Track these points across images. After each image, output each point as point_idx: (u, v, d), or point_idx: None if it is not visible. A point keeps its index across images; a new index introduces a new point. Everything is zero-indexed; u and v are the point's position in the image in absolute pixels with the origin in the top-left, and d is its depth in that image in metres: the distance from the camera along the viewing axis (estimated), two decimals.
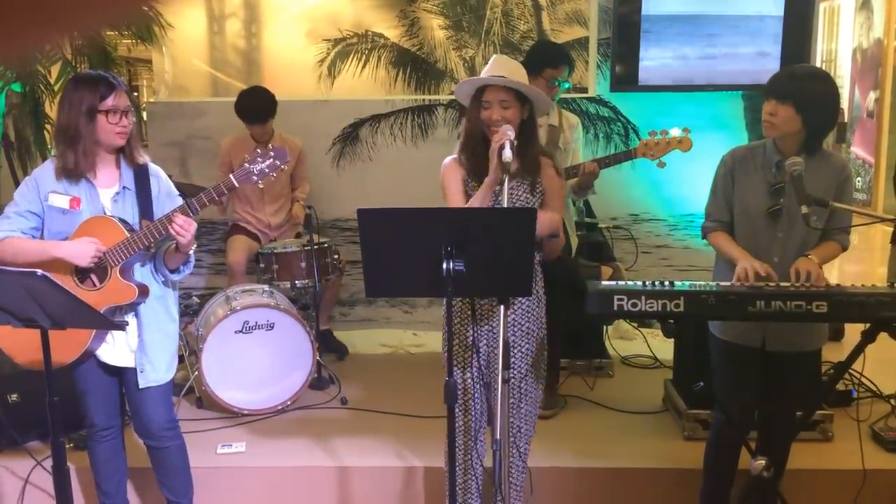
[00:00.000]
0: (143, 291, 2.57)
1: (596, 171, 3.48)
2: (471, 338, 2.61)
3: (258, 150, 2.52)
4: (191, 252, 2.58)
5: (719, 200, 2.68)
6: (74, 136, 2.47)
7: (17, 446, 3.23)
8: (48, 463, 2.68)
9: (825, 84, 2.54)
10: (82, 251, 2.47)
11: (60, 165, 2.52)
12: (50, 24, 0.50)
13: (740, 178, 2.62)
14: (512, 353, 2.57)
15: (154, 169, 2.65)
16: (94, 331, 2.52)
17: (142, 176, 2.58)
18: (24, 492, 3.12)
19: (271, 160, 2.49)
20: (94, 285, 2.53)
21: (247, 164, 2.50)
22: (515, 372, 2.59)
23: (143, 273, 2.61)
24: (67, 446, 2.96)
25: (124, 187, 2.58)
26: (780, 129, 2.50)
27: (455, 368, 2.55)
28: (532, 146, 2.59)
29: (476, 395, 2.65)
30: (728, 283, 2.45)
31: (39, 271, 2.11)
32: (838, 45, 10.01)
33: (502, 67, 2.57)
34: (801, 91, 2.47)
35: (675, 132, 3.50)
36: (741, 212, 2.62)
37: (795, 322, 2.49)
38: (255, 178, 2.49)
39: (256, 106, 4.29)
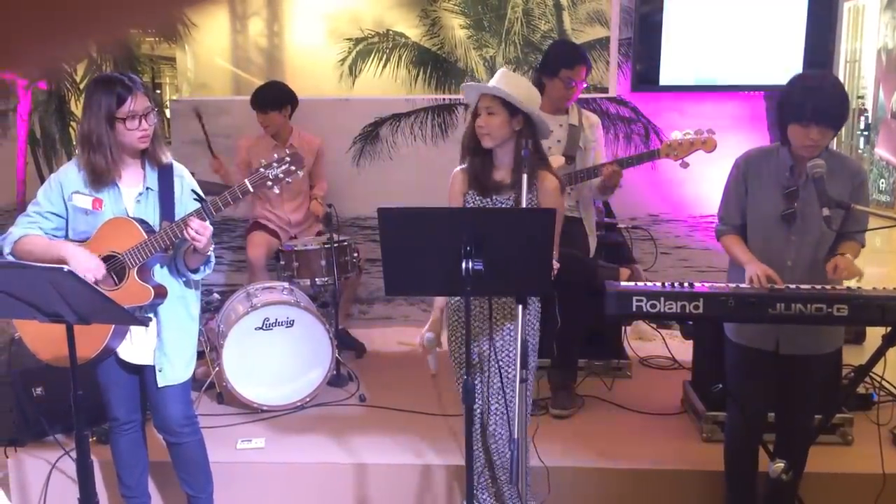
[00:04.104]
0: (160, 293, 2.56)
1: (619, 173, 3.46)
2: (476, 338, 2.65)
3: (275, 155, 2.50)
4: (210, 252, 2.58)
5: (731, 204, 2.67)
6: (99, 143, 2.48)
7: (42, 438, 3.29)
8: (73, 454, 2.72)
9: (846, 94, 2.51)
10: (84, 265, 2.45)
11: (87, 169, 2.52)
12: (87, 36, 0.51)
13: (753, 182, 2.61)
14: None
15: (178, 169, 2.65)
16: (113, 328, 2.52)
17: (166, 176, 2.59)
18: (49, 482, 3.17)
19: (287, 165, 2.48)
20: (114, 285, 2.54)
21: (262, 169, 2.49)
22: (532, 368, 2.62)
23: (163, 274, 2.62)
24: (91, 440, 3.01)
25: (148, 188, 2.59)
26: (820, 149, 2.49)
27: (460, 367, 2.58)
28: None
29: (486, 392, 2.68)
30: (746, 286, 2.44)
31: (66, 267, 2.13)
32: (863, 45, 9.89)
33: (499, 80, 2.60)
34: (845, 115, 2.47)
35: (700, 132, 3.49)
36: (755, 216, 2.61)
37: (815, 325, 2.48)
38: (271, 182, 2.49)
39: (264, 93, 4.37)
